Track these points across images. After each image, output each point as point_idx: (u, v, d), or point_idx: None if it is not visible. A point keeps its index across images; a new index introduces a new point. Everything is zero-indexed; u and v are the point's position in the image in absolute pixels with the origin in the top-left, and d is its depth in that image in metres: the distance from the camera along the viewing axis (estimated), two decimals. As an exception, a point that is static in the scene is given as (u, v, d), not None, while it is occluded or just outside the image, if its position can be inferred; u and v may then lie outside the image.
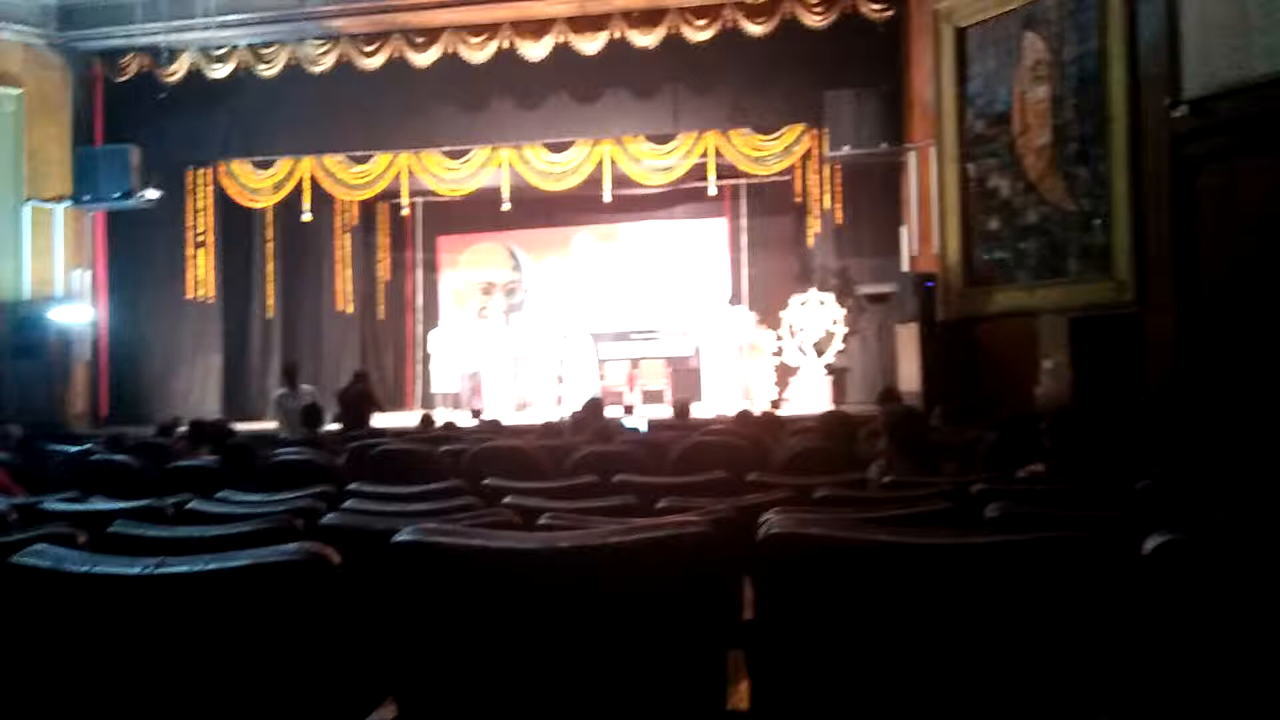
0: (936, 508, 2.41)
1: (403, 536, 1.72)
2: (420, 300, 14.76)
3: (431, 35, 10.45)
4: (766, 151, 10.80)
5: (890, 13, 9.44)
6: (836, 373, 10.92)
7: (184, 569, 1.66)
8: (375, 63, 10.52)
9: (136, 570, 1.67)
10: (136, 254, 11.54)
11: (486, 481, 3.74)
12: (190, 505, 3.30)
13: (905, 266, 9.28)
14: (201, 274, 11.71)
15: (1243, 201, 6.26)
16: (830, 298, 10.97)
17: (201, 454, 6.52)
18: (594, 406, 6.33)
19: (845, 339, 10.87)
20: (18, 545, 2.02)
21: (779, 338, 11.16)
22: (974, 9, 8.51)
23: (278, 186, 11.73)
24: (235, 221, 12.15)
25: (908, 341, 8.84)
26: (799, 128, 10.61)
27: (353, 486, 3.77)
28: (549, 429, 6.47)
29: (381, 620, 1.84)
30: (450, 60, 10.49)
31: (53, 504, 3.50)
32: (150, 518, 3.17)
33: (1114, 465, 3.79)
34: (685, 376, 12.14)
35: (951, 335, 8.28)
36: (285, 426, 8.43)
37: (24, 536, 2.51)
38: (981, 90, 8.51)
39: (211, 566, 1.66)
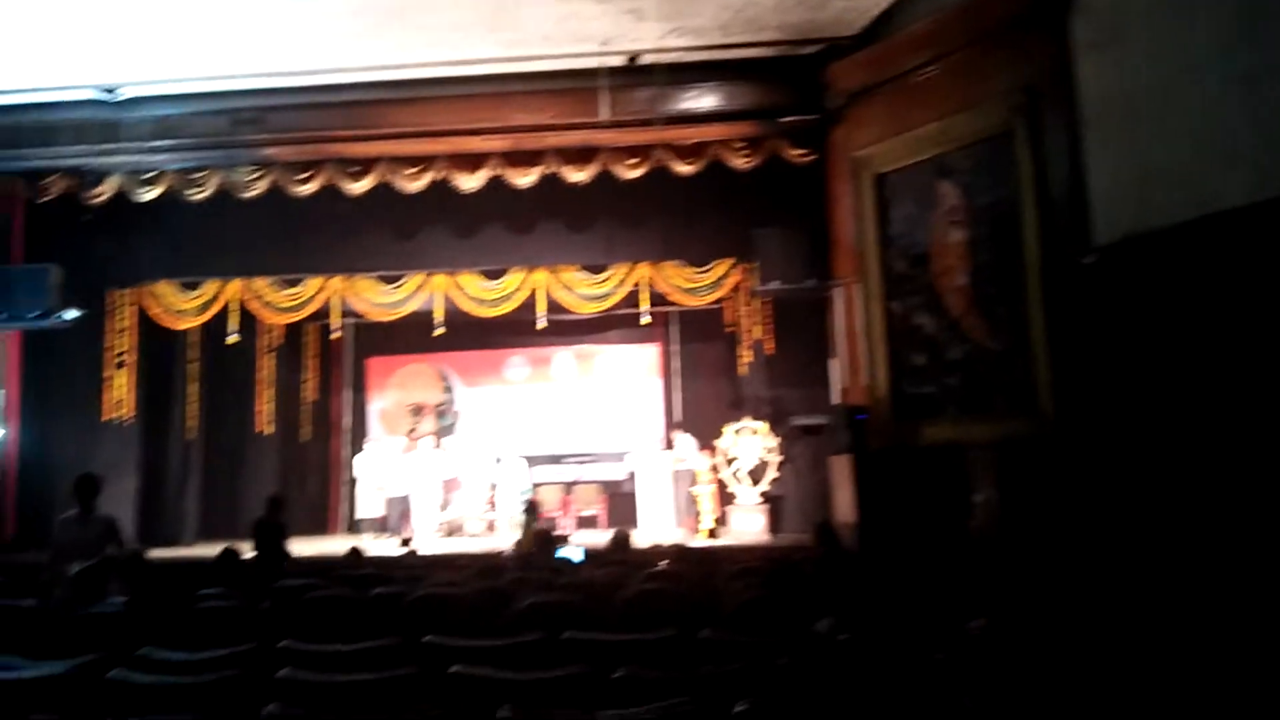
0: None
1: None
2: (348, 422, 14.49)
3: (366, 165, 10.54)
4: (698, 283, 11.06)
5: (812, 157, 9.89)
6: (772, 501, 10.96)
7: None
8: (308, 189, 10.52)
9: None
10: (53, 374, 11.14)
11: (428, 639, 3.60)
12: (111, 675, 3.08)
13: (836, 398, 9.45)
14: (121, 395, 11.33)
15: (1150, 343, 6.57)
16: (764, 427, 11.09)
17: (112, 589, 6.14)
18: (545, 542, 6.19)
19: (779, 468, 10.95)
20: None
21: (714, 465, 11.20)
22: (889, 157, 8.93)
23: (204, 308, 11.53)
24: (156, 341, 11.84)
25: (841, 473, 8.94)
26: (729, 262, 10.94)
27: (285, 645, 3.60)
28: (487, 568, 6.30)
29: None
30: (384, 188, 10.57)
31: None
32: (64, 690, 2.94)
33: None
34: (620, 501, 12.04)
35: (884, 468, 8.40)
36: (58, 559, 6.10)
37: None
38: (902, 232, 8.86)
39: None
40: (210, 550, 10.25)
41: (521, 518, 9.45)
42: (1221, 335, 5.91)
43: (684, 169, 10.14)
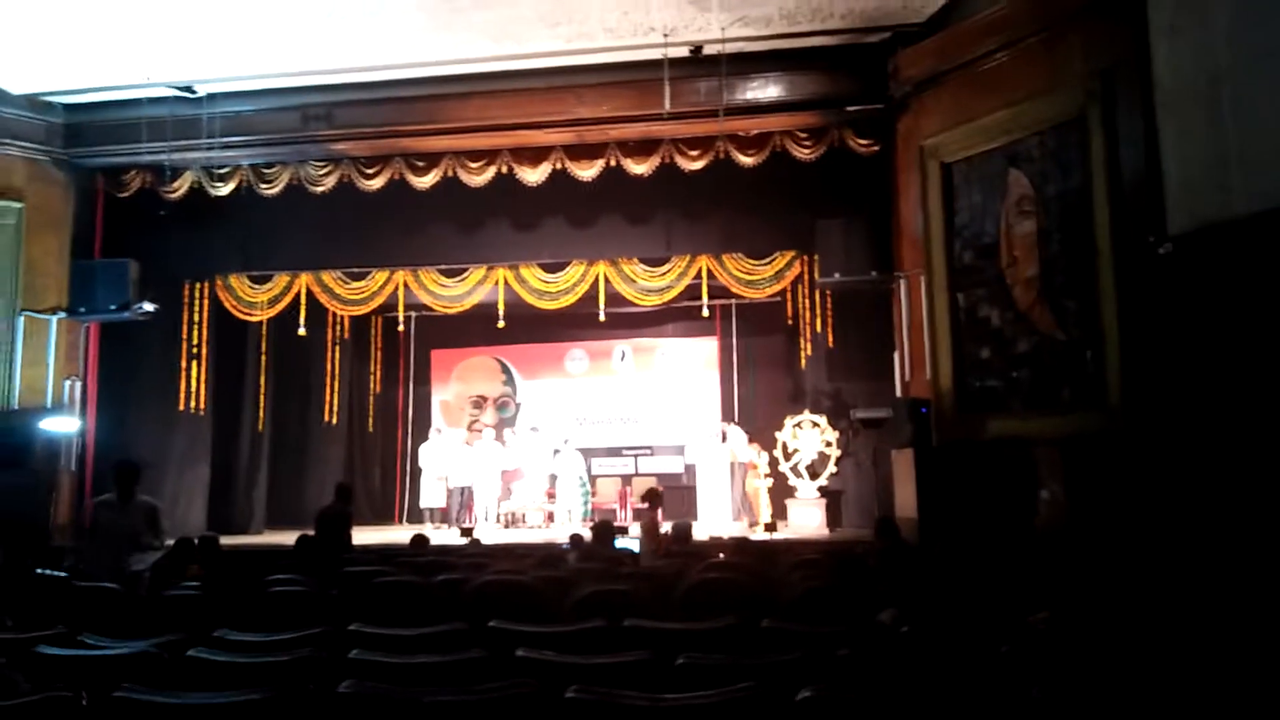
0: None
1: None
2: (411, 413, 14.74)
3: (432, 159, 10.72)
4: (758, 275, 11.01)
5: (877, 147, 9.77)
6: (830, 496, 10.87)
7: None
8: (376, 184, 10.76)
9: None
10: (130, 365, 11.52)
11: (493, 624, 3.67)
12: (191, 653, 3.21)
13: (899, 392, 9.33)
14: (194, 386, 11.69)
15: (1228, 337, 6.36)
16: (824, 420, 11.00)
17: (190, 572, 6.39)
18: (605, 532, 6.24)
19: (839, 462, 10.86)
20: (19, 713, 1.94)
21: (773, 459, 11.14)
22: (959, 146, 8.77)
23: (274, 301, 11.84)
24: (229, 334, 12.20)
25: (903, 467, 8.83)
26: (790, 253, 10.87)
27: (354, 628, 3.70)
28: (548, 557, 6.37)
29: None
30: (449, 182, 10.73)
31: (46, 649, 3.38)
32: (149, 666, 3.07)
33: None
34: (678, 494, 12.05)
35: (947, 462, 8.27)
36: (98, 547, 6.38)
37: (25, 701, 2.43)
38: (969, 223, 8.71)
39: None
40: (276, 539, 10.57)
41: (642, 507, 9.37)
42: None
43: (746, 160, 10.09)
